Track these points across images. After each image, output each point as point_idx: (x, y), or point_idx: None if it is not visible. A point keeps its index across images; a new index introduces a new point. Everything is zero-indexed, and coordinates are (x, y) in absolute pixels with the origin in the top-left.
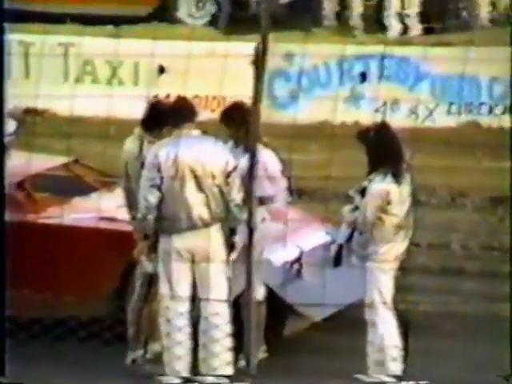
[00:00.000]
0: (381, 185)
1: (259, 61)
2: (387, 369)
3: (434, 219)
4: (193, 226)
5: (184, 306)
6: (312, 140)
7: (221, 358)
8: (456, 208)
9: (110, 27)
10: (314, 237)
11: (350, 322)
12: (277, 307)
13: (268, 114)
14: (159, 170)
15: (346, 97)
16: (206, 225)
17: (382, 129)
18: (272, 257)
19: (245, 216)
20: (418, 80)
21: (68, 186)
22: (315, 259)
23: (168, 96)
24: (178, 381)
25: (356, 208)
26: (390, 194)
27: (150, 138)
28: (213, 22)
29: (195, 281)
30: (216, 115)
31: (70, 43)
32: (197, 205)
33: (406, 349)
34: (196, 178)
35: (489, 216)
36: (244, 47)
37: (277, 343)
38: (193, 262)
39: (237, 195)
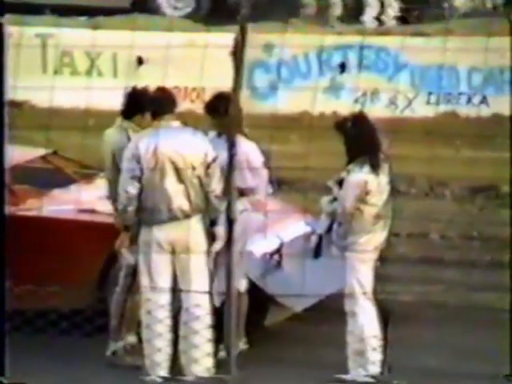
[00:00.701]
0: (359, 175)
1: (238, 52)
2: (367, 358)
3: (413, 209)
4: (173, 218)
5: (164, 298)
6: (291, 130)
7: (201, 349)
8: (435, 197)
9: (88, 18)
10: (293, 227)
11: (331, 312)
12: (257, 298)
13: (248, 105)
14: (139, 162)
15: (325, 87)
16: (186, 216)
17: (360, 119)
18: (252, 248)
19: (224, 207)
20: (397, 70)
21: (47, 177)
22: (295, 250)
23: (146, 87)
24: (160, 380)
25: (335, 199)
26: (368, 184)
27: (134, 128)
28: (192, 12)
29: (176, 272)
30: (196, 106)
31: (48, 34)
32: (177, 196)
33: (385, 339)
34: (176, 169)
35: (468, 205)
36: (223, 38)
37: (258, 334)
38: (173, 253)
39: (217, 186)
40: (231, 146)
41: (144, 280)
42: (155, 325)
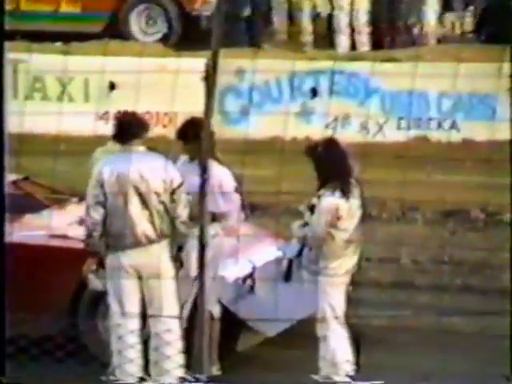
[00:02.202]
0: (330, 200)
1: (210, 77)
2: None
3: (384, 233)
4: (137, 243)
5: (134, 324)
6: (263, 155)
7: (173, 374)
8: (406, 222)
9: (59, 44)
10: (266, 252)
11: (303, 336)
12: (229, 323)
13: (219, 130)
14: (102, 187)
15: (296, 112)
16: (151, 242)
17: (330, 144)
18: (224, 273)
19: (192, 232)
20: (368, 95)
21: (18, 203)
22: (267, 275)
23: (119, 112)
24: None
25: (306, 224)
26: (339, 209)
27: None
28: (164, 38)
29: (144, 297)
30: (168, 131)
31: (19, 60)
32: (141, 222)
33: (357, 363)
34: (140, 194)
35: (439, 229)
36: (195, 63)
37: (230, 359)
38: (140, 278)
39: (182, 212)
40: (203, 170)
41: (113, 305)
42: (126, 350)
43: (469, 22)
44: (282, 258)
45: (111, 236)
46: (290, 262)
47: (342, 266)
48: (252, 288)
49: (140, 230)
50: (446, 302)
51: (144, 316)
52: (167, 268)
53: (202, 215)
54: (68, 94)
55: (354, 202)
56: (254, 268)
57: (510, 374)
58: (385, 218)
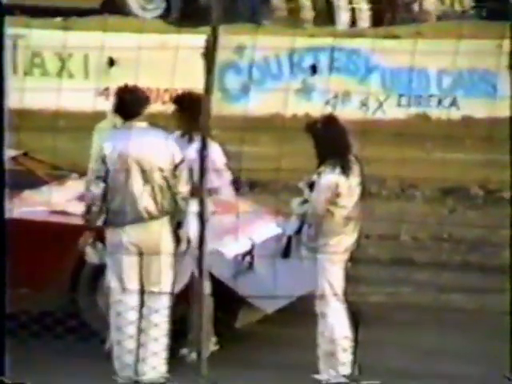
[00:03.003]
0: (330, 177)
1: (210, 53)
2: (338, 359)
3: (384, 210)
4: (139, 219)
5: (134, 300)
6: (263, 132)
7: (159, 356)
8: (406, 199)
9: (59, 19)
10: (265, 229)
11: (302, 313)
12: (228, 300)
13: (219, 107)
14: (104, 162)
15: (296, 89)
16: (153, 218)
17: (330, 121)
18: (224, 249)
19: (191, 208)
20: (368, 72)
21: (18, 179)
22: (267, 251)
23: (120, 87)
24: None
25: (305, 201)
26: (339, 186)
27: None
28: (164, 14)
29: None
30: (167, 107)
31: (18, 35)
32: (143, 198)
33: (356, 340)
34: (142, 170)
35: (438, 207)
36: (195, 40)
37: (229, 336)
38: (140, 255)
39: (183, 188)
40: (203, 147)
41: (113, 281)
42: (126, 327)
43: None
44: (281, 235)
45: (112, 212)
46: (289, 238)
47: (342, 243)
48: (251, 265)
49: (142, 205)
50: (445, 279)
51: (143, 293)
52: (167, 244)
53: (201, 191)
54: (67, 69)
55: (354, 180)
56: (253, 245)
57: (510, 375)
58: (384, 195)
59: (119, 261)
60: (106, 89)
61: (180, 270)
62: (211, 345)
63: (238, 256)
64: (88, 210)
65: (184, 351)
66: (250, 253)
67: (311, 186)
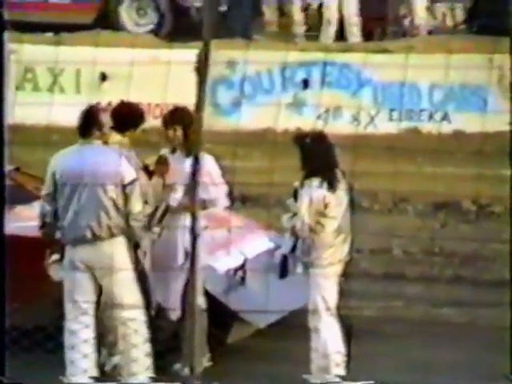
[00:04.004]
0: (316, 190)
1: (202, 68)
2: (330, 374)
3: (376, 224)
4: (82, 240)
5: (88, 319)
6: (255, 147)
7: (140, 363)
8: (398, 213)
9: (50, 34)
10: (257, 243)
11: (295, 328)
12: (221, 315)
13: (211, 121)
14: (54, 179)
15: (288, 103)
16: (98, 238)
17: (320, 138)
18: (216, 264)
19: (147, 230)
20: (360, 86)
21: (10, 194)
22: (259, 266)
23: (110, 104)
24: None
25: (295, 215)
26: (326, 197)
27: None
28: (156, 29)
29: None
30: (159, 123)
31: (10, 50)
32: (86, 217)
33: (348, 354)
34: (86, 189)
35: (430, 221)
36: (186, 55)
37: (221, 351)
38: (92, 273)
39: (135, 209)
40: (195, 161)
41: (67, 299)
42: (80, 346)
43: (460, 13)
44: (273, 249)
45: (63, 230)
46: (285, 258)
47: (335, 255)
48: (243, 279)
49: (85, 225)
50: (437, 293)
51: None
52: (122, 265)
53: (193, 206)
54: (59, 84)
55: (340, 193)
56: (245, 259)
57: (510, 374)
58: (376, 209)
59: (72, 279)
60: (98, 104)
61: (169, 284)
62: (204, 360)
63: (230, 271)
64: (42, 225)
65: (177, 366)
66: (242, 267)
67: (295, 195)
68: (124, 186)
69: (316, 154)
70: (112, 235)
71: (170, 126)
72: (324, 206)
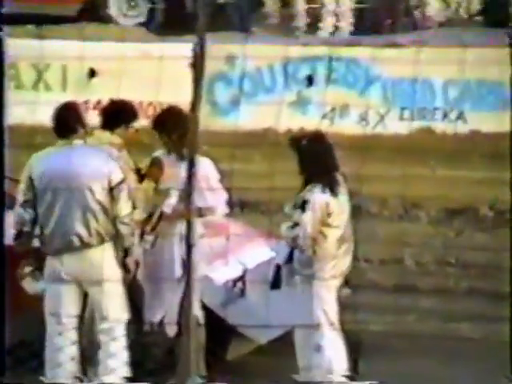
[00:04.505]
0: (320, 197)
1: (197, 64)
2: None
3: (385, 232)
4: (71, 248)
5: (73, 334)
6: (255, 148)
7: (118, 372)
8: (409, 220)
9: (33, 27)
10: (258, 253)
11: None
12: (219, 330)
13: (208, 121)
14: (32, 184)
15: (291, 102)
16: (86, 246)
17: (316, 138)
18: (213, 275)
19: (135, 235)
20: (368, 84)
21: None
22: (260, 277)
23: (99, 102)
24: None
25: (296, 224)
26: (330, 205)
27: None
28: (146, 21)
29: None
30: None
31: None
32: (73, 223)
33: (356, 371)
34: (72, 193)
35: (444, 229)
36: (181, 49)
37: (219, 369)
38: (79, 284)
39: (122, 211)
40: (191, 165)
41: (50, 314)
42: (66, 363)
43: (475, 4)
44: (275, 260)
45: (45, 239)
46: (278, 268)
47: (337, 267)
48: (243, 292)
49: (72, 232)
50: (452, 307)
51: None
52: (111, 274)
53: (188, 213)
54: (44, 81)
55: (342, 198)
56: (244, 270)
57: (510, 375)
58: (386, 216)
59: (56, 292)
60: (86, 102)
61: (166, 298)
62: (198, 379)
63: (229, 282)
64: (18, 235)
65: None
66: (241, 278)
67: (302, 206)
68: (111, 188)
69: (315, 157)
70: (102, 241)
71: (159, 131)
72: (327, 214)
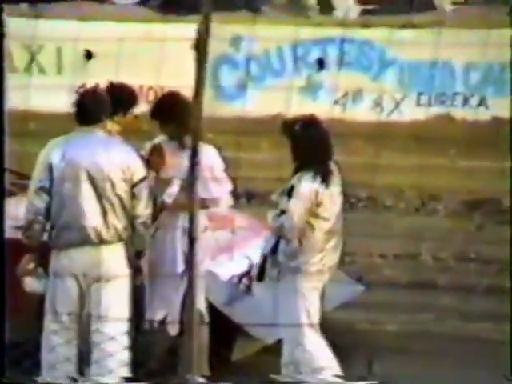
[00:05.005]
0: (309, 185)
1: (201, 45)
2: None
3: (401, 226)
4: (86, 242)
5: (72, 334)
6: (262, 136)
7: (116, 373)
8: (426, 213)
9: (25, 6)
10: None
11: None
12: (223, 329)
13: (212, 107)
14: (50, 172)
15: (301, 87)
16: (102, 242)
17: (312, 123)
18: (218, 270)
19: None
20: (383, 67)
21: None
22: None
23: (97, 86)
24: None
25: (283, 212)
26: (319, 195)
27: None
28: (147, 0)
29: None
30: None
31: None
32: (93, 216)
33: (369, 373)
34: (94, 185)
35: (464, 222)
36: (183, 29)
37: (224, 369)
38: (86, 282)
39: (143, 211)
40: (194, 154)
41: (48, 310)
42: (63, 364)
43: None
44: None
45: (57, 231)
46: (265, 258)
47: (324, 261)
48: (249, 288)
49: (91, 225)
50: (472, 306)
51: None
52: (120, 272)
53: (191, 204)
54: (38, 64)
55: (335, 188)
56: (251, 265)
57: (510, 375)
58: (402, 208)
59: (55, 289)
60: (83, 86)
61: (168, 294)
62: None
63: (234, 278)
64: (28, 227)
65: None
66: (247, 274)
67: (289, 194)
68: (133, 185)
69: (307, 143)
70: (119, 238)
71: (158, 120)
72: (316, 204)
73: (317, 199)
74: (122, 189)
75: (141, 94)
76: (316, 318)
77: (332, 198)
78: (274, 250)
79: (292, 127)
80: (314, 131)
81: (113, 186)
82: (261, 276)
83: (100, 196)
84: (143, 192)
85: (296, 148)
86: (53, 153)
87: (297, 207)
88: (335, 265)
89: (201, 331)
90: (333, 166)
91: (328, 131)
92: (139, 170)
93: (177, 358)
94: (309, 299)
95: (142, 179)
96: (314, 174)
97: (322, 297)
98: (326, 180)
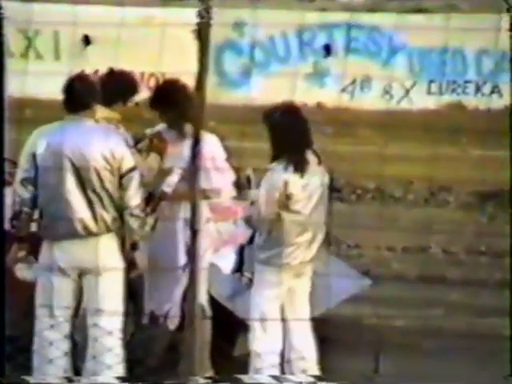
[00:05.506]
0: (279, 176)
1: (203, 30)
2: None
3: (410, 218)
4: (73, 234)
5: (66, 328)
6: None
7: (114, 369)
8: (437, 205)
9: None
10: None
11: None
12: (225, 323)
13: (215, 94)
14: (34, 161)
15: (307, 73)
16: (90, 234)
17: (290, 110)
18: (220, 263)
19: (145, 229)
20: (392, 53)
21: None
22: None
23: (95, 73)
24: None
25: (252, 203)
26: (290, 186)
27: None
28: None
29: (82, 294)
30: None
31: None
32: (79, 207)
33: (376, 370)
34: (79, 175)
35: (475, 214)
36: (185, 14)
37: (226, 366)
38: (78, 275)
39: (131, 202)
40: (195, 143)
41: (41, 305)
42: (59, 359)
43: None
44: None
45: (45, 222)
46: (242, 248)
47: (295, 255)
48: (251, 282)
49: (77, 217)
50: (483, 301)
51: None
52: (113, 265)
53: (192, 194)
54: (34, 49)
55: (312, 180)
56: None
57: (509, 374)
58: (410, 200)
59: (49, 282)
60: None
61: (168, 287)
62: (206, 376)
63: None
64: (15, 217)
65: None
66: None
67: (248, 182)
68: (121, 176)
69: (284, 131)
70: (107, 230)
71: (157, 110)
72: (286, 196)
73: (286, 190)
74: (108, 179)
75: (141, 81)
76: (270, 315)
77: (305, 190)
78: (251, 240)
79: (271, 116)
80: (290, 119)
81: (98, 175)
82: (238, 267)
83: (85, 186)
84: (133, 182)
85: (274, 136)
86: (38, 141)
87: (264, 198)
88: (309, 261)
89: (203, 326)
90: (311, 156)
91: (307, 120)
92: (127, 160)
93: (177, 354)
94: (268, 299)
95: (131, 170)
96: (287, 163)
97: (327, 291)
98: (299, 170)
